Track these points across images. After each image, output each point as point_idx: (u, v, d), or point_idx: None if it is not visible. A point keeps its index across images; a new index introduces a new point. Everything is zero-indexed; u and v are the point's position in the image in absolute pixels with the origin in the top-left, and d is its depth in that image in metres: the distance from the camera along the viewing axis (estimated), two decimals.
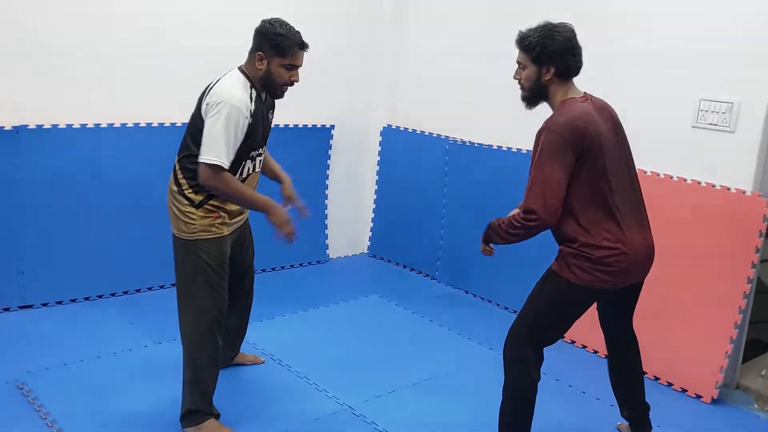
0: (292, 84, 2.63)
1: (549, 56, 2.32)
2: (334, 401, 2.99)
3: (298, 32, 2.59)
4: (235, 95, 2.49)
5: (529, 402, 2.45)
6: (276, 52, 2.55)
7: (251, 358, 3.28)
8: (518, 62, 2.42)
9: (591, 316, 2.59)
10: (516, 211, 2.45)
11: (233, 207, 2.65)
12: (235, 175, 2.61)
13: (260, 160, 2.76)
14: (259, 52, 2.56)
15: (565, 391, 3.18)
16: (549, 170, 2.23)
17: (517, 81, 2.45)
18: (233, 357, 3.20)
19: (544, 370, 2.48)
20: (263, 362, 3.29)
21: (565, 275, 2.35)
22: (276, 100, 2.81)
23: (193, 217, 2.58)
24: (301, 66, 2.62)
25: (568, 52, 2.34)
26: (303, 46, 2.59)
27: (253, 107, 2.55)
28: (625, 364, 2.69)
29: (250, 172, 2.70)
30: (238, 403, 2.91)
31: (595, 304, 2.55)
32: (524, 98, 2.46)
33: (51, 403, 2.78)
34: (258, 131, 2.62)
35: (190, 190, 2.58)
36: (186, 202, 2.59)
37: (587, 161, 2.27)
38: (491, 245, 2.58)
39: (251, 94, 2.56)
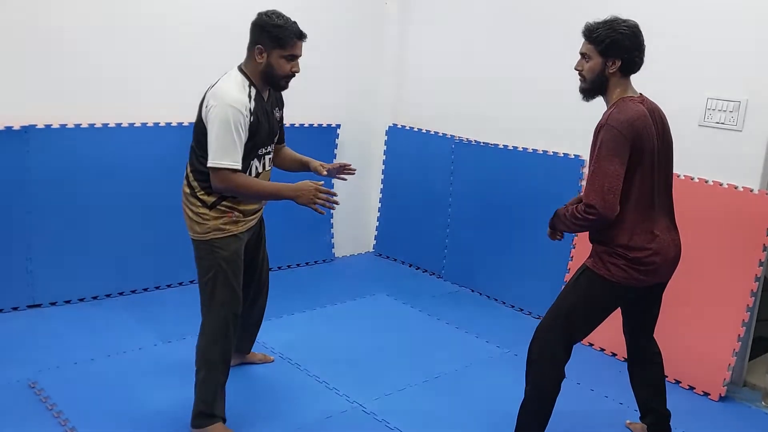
0: (293, 75, 2.61)
1: (618, 49, 2.35)
2: (345, 399, 3.01)
3: (295, 22, 2.58)
4: (231, 96, 2.49)
5: (552, 399, 2.48)
6: (275, 43, 2.54)
7: (260, 356, 3.30)
8: (582, 53, 2.43)
9: None
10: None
11: (247, 206, 2.66)
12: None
13: (269, 158, 2.76)
14: (258, 45, 2.55)
15: (573, 388, 3.19)
16: (608, 166, 2.26)
17: (577, 72, 2.46)
18: (247, 353, 3.23)
19: None
20: (273, 361, 3.30)
21: (601, 272, 2.40)
22: (285, 98, 2.83)
23: (207, 217, 2.59)
24: (300, 56, 2.60)
25: (636, 48, 2.37)
26: (301, 36, 2.58)
27: (252, 105, 2.54)
28: (651, 379, 2.70)
29: (259, 170, 2.70)
30: (249, 402, 2.92)
31: (619, 310, 2.59)
32: (583, 90, 2.47)
33: (63, 402, 2.80)
34: (262, 129, 2.61)
35: (203, 192, 2.58)
36: (199, 203, 2.60)
37: (639, 162, 2.31)
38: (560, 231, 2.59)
39: (250, 92, 2.55)
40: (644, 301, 2.58)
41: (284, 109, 2.88)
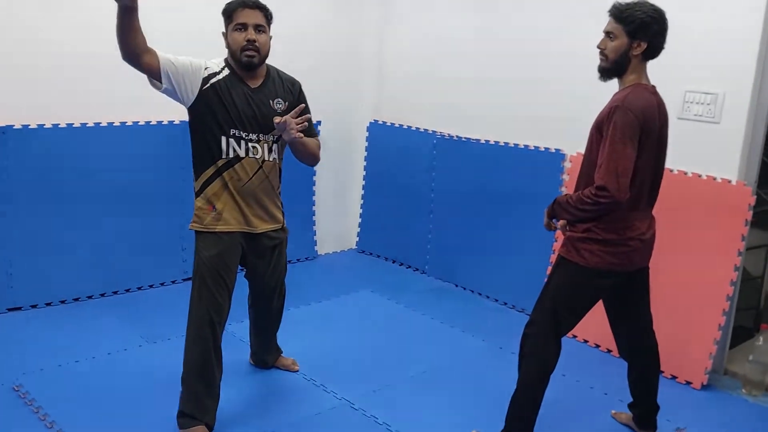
0: (250, 46, 2.52)
1: (646, 32, 2.35)
2: (333, 396, 3.01)
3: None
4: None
5: (542, 391, 2.51)
6: (226, 19, 2.57)
7: (288, 362, 3.25)
8: (607, 32, 2.42)
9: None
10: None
11: (231, 203, 2.63)
12: (219, 155, 2.58)
13: (253, 147, 2.62)
14: (222, 31, 2.60)
15: (559, 380, 3.18)
16: (622, 148, 2.26)
17: (600, 50, 2.45)
18: (266, 363, 3.22)
19: None
20: (298, 370, 3.22)
21: (575, 259, 2.42)
22: (299, 93, 2.89)
23: (195, 207, 2.65)
24: (253, 23, 2.53)
25: (661, 33, 2.38)
26: (246, 3, 2.52)
27: (217, 78, 2.56)
28: (642, 373, 2.74)
29: (240, 155, 2.59)
30: (237, 400, 2.91)
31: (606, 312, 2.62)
32: (603, 69, 2.45)
33: (49, 405, 2.76)
34: (229, 108, 2.56)
35: (196, 177, 2.64)
36: (195, 191, 2.65)
37: (639, 151, 2.32)
38: (554, 221, 2.58)
39: (222, 68, 2.59)
40: (624, 290, 2.59)
41: (295, 104, 2.76)
